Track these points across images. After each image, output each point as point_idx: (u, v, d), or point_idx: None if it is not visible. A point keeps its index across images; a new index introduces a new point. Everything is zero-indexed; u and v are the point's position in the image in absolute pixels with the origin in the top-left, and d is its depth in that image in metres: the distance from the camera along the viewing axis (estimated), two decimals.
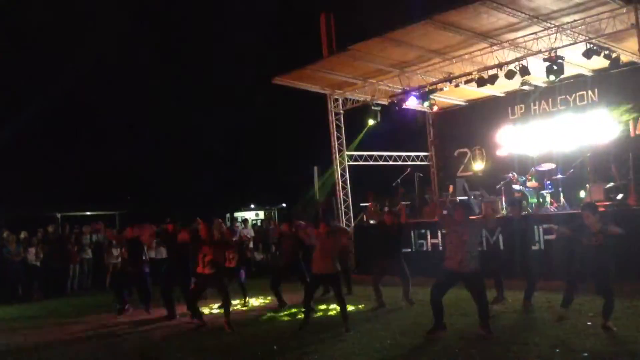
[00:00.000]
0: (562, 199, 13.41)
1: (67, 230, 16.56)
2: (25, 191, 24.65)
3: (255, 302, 11.57)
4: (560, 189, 13.57)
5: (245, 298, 11.31)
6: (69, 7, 26.13)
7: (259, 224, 22.08)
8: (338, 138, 16.73)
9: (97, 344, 8.58)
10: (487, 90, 15.58)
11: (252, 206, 28.73)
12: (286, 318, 9.68)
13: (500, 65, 13.05)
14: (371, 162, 17.67)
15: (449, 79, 14.21)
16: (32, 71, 27.59)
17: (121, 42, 27.46)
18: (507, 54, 13.03)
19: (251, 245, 18.02)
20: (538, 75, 13.36)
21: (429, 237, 13.99)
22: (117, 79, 28.30)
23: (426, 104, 15.29)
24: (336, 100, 16.82)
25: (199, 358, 7.38)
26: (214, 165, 31.58)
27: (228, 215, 25.75)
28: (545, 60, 12.22)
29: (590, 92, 15.01)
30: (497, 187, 14.31)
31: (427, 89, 14.63)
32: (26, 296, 14.48)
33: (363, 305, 10.13)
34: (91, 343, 8.69)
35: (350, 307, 10.15)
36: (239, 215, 27.04)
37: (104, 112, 29.45)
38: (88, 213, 23.51)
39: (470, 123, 17.45)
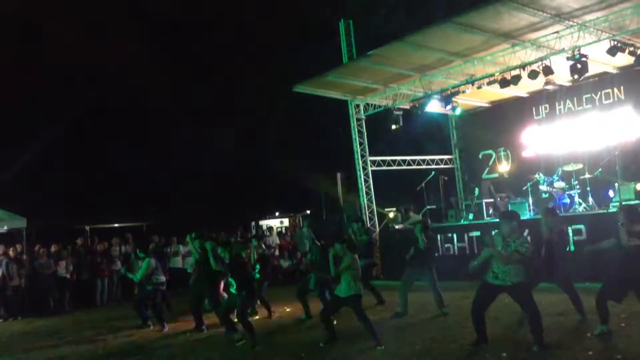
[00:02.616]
0: (590, 199, 13.19)
1: (96, 242, 16.80)
2: (55, 204, 25.08)
3: (280, 311, 11.60)
4: (588, 188, 13.36)
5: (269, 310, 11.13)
6: (86, 20, 26.62)
7: (283, 231, 22.11)
8: (360, 144, 16.71)
9: (128, 356, 8.69)
10: (510, 91, 15.43)
11: (277, 214, 28.80)
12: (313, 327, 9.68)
13: (523, 66, 12.91)
14: (395, 167, 17.61)
15: (471, 81, 14.11)
16: (59, 84, 28.14)
17: (141, 51, 27.83)
18: (530, 54, 12.89)
19: (277, 253, 18.08)
20: (562, 74, 13.19)
21: (455, 240, 13.92)
22: (139, 90, 28.65)
23: (448, 106, 15.19)
24: (357, 106, 16.81)
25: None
26: (238, 173, 31.77)
27: (253, 223, 25.89)
28: (568, 59, 12.06)
29: (616, 90, 14.75)
30: (524, 188, 14.14)
31: (449, 92, 14.56)
32: (58, 308, 14.71)
33: (389, 313, 10.07)
34: (122, 356, 8.80)
35: (378, 314, 10.15)
36: (264, 223, 27.14)
37: (128, 123, 29.85)
38: (116, 225, 23.79)
39: (494, 125, 17.27)
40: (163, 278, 10.98)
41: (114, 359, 8.53)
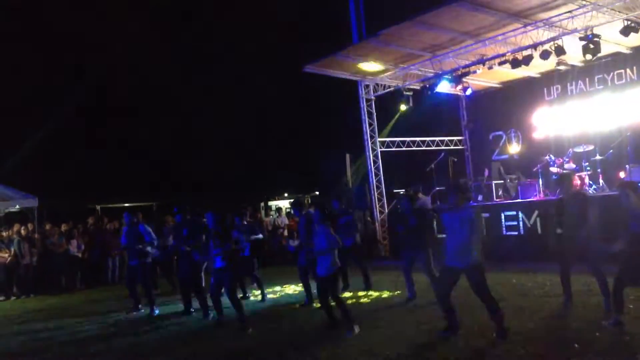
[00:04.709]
0: (601, 180, 13.11)
1: (106, 221, 16.94)
2: (66, 184, 25.25)
3: (288, 290, 11.69)
4: (599, 170, 13.28)
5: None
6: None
7: (292, 212, 22.19)
8: (370, 124, 16.66)
9: (139, 333, 8.82)
10: (521, 72, 15.30)
11: (286, 194, 28.87)
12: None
13: (534, 46, 12.79)
14: (404, 148, 17.57)
15: (482, 61, 14.00)
16: (68, 65, 28.17)
17: (152, 31, 27.76)
18: (542, 34, 12.75)
19: (286, 233, 18.18)
20: (574, 54, 13.07)
21: None
22: (148, 70, 28.65)
23: (459, 87, 15.10)
24: (367, 86, 16.73)
25: (242, 345, 7.50)
26: (247, 154, 31.81)
27: (262, 203, 25.97)
28: (581, 39, 11.93)
29: (628, 70, 14.60)
30: (534, 169, 14.08)
31: (459, 72, 14.45)
32: (69, 287, 14.90)
33: (399, 292, 10.10)
34: (134, 332, 8.94)
35: (386, 294, 10.20)
36: (273, 203, 27.23)
37: (139, 104, 29.88)
38: (126, 204, 23.93)
39: (505, 105, 17.16)
40: (147, 249, 10.52)
41: (126, 335, 8.64)
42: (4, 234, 14.61)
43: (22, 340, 8.91)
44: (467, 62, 14.46)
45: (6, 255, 14.19)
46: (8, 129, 23.74)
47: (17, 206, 15.54)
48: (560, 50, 12.43)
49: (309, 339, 7.38)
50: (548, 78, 16.20)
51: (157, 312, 10.23)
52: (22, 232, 14.79)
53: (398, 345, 6.71)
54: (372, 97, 16.73)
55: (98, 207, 22.46)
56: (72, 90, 26.65)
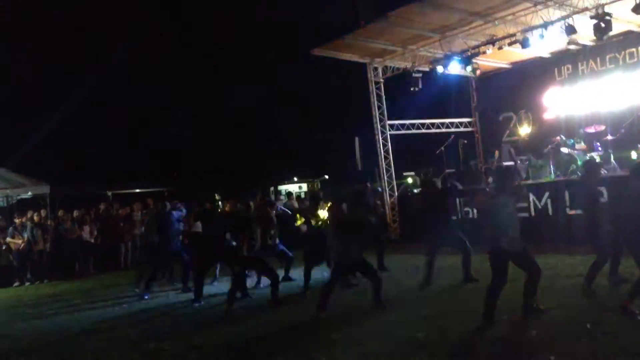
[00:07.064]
0: (612, 160, 13.00)
1: (118, 207, 17.06)
2: (77, 171, 25.43)
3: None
4: (610, 150, 13.17)
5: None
6: None
7: (302, 195, 22.22)
8: (379, 107, 16.57)
9: (153, 317, 8.90)
10: (532, 52, 15.12)
11: (295, 179, 28.92)
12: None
13: (545, 25, 12.63)
14: (413, 131, 17.49)
15: (492, 42, 13.84)
16: (80, 51, 28.21)
17: (159, 17, 27.72)
18: (552, 13, 12.58)
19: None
20: (585, 33, 12.89)
21: None
22: (160, 57, 28.65)
23: (469, 68, 14.97)
24: (376, 69, 16.63)
25: (256, 329, 7.57)
26: (258, 139, 31.85)
27: (272, 188, 26.04)
28: (592, 17, 11.77)
29: None
30: (545, 150, 13.99)
31: (469, 53, 14.31)
32: (83, 272, 15.05)
33: (409, 271, 10.11)
34: (147, 316, 9.02)
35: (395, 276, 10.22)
36: (283, 188, 27.28)
37: (149, 91, 29.94)
38: (137, 190, 24.06)
39: (515, 86, 16.98)
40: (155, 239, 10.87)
41: (139, 322, 8.73)
42: (17, 220, 14.76)
43: (37, 325, 9.03)
44: (476, 43, 14.31)
45: (20, 241, 14.35)
46: (20, 116, 23.89)
47: (30, 193, 15.67)
48: (571, 30, 12.27)
49: (324, 321, 7.40)
50: (559, 58, 16.01)
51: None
52: (35, 218, 14.94)
53: (415, 327, 6.71)
54: (381, 80, 16.64)
55: (109, 193, 22.60)
56: (83, 77, 26.73)
